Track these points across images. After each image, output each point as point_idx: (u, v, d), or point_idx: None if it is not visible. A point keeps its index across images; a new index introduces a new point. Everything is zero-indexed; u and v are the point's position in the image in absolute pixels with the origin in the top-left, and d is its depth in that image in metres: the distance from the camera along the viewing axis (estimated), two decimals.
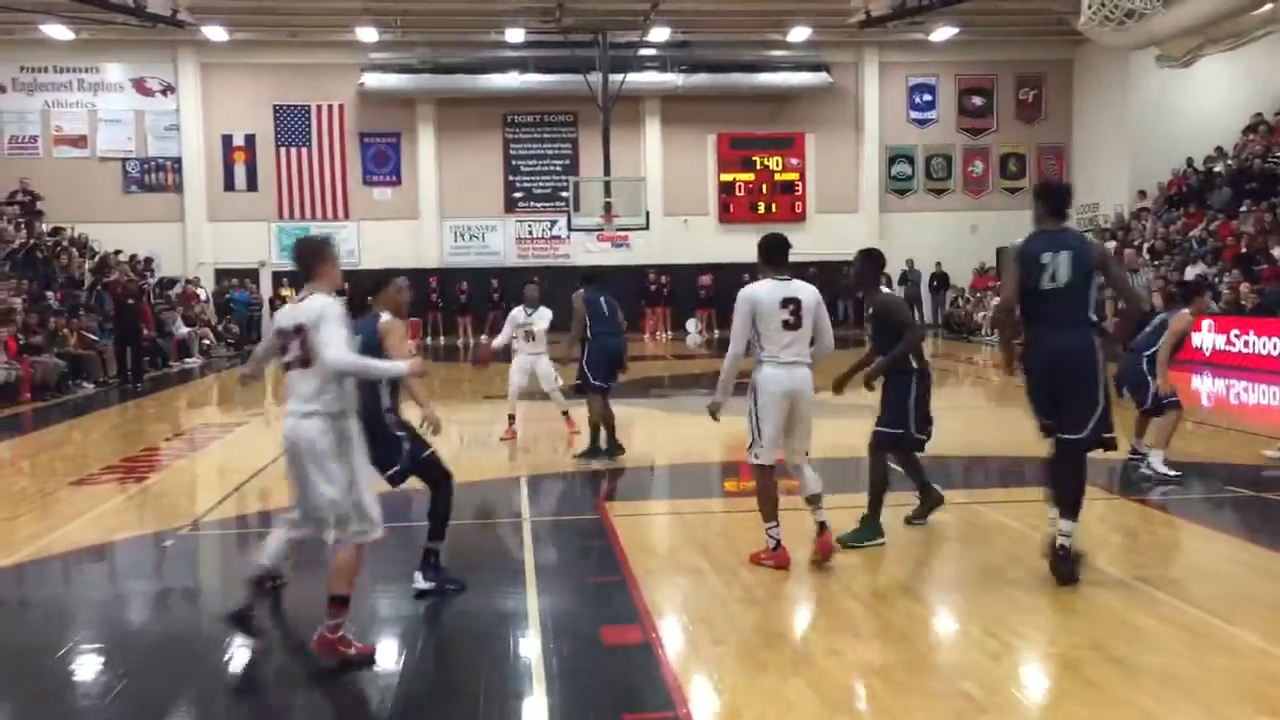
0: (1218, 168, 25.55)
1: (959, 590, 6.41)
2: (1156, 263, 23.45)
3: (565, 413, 12.11)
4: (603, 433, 10.63)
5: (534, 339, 11.87)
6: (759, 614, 5.82)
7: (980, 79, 31.09)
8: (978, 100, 31.18)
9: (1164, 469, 9.13)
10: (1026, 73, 30.98)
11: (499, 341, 11.92)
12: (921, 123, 31.17)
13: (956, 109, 31.15)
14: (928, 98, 31.12)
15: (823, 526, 6.66)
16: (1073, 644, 5.27)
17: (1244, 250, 21.02)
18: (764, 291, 6.52)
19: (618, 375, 10.81)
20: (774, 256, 6.70)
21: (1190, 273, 21.72)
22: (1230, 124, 26.46)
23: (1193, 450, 10.60)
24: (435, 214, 29.75)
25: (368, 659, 5.23)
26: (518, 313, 11.97)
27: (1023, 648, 5.37)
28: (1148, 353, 9.31)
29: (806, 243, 30.27)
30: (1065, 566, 6.10)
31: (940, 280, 30.52)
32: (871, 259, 7.51)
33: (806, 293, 6.55)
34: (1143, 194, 27.04)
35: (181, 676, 5.32)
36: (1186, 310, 9.48)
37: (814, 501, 6.67)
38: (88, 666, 5.47)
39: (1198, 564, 6.95)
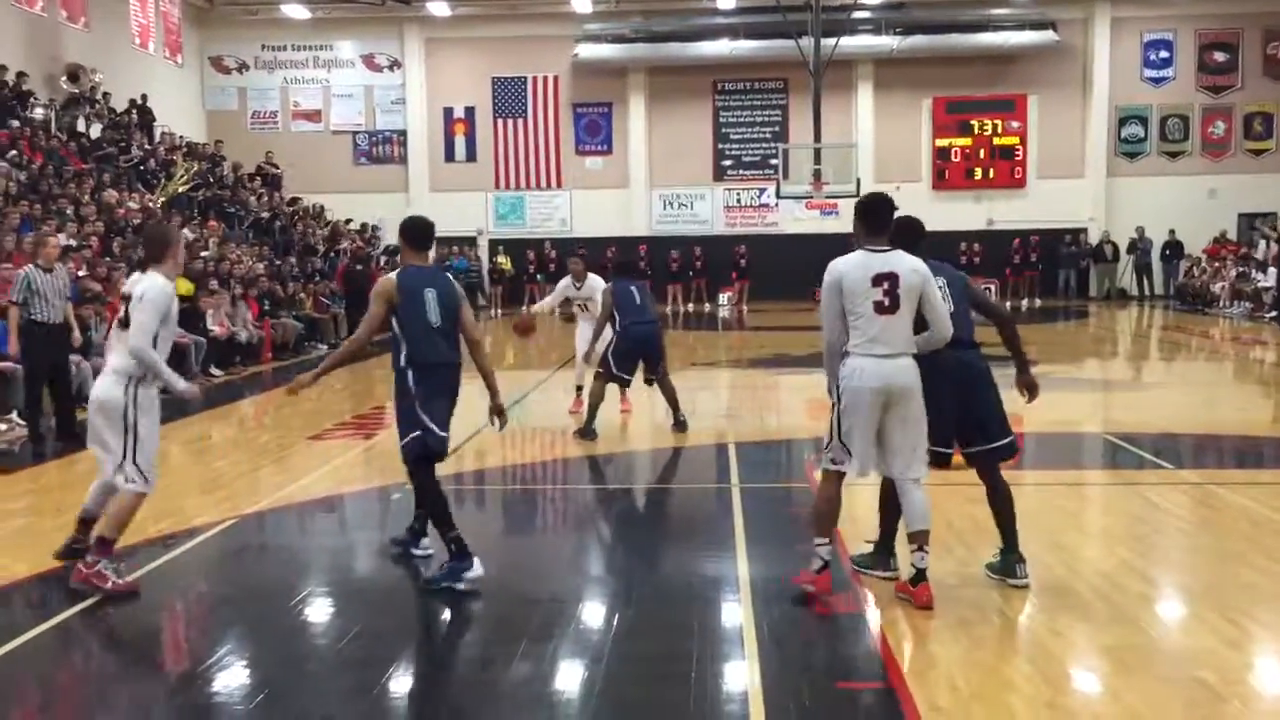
0: None
1: (1193, 574, 6.06)
2: None
3: (579, 388, 11.27)
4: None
5: (587, 310, 11.33)
6: (976, 589, 5.65)
7: (1223, 33, 28.95)
8: (1220, 56, 29.05)
9: None
10: (1277, 25, 28.64)
11: (542, 306, 12.06)
12: (1157, 81, 29.30)
13: (1196, 65, 29.13)
14: (1164, 54, 29.21)
15: (921, 575, 5.31)
16: None
17: None
18: (852, 266, 5.30)
19: (652, 364, 10.27)
20: (872, 222, 5.43)
21: None
22: None
23: None
24: (645, 183, 30.04)
25: (130, 594, 5.75)
26: (566, 285, 11.58)
27: (1266, 637, 5.03)
28: None
29: (1028, 210, 29.23)
30: None
31: (1173, 249, 28.72)
32: (912, 229, 5.74)
33: (907, 267, 5.28)
34: None
35: (407, 621, 5.62)
36: None
37: (916, 540, 5.34)
38: (323, 610, 5.83)
39: None
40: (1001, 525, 5.69)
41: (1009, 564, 5.66)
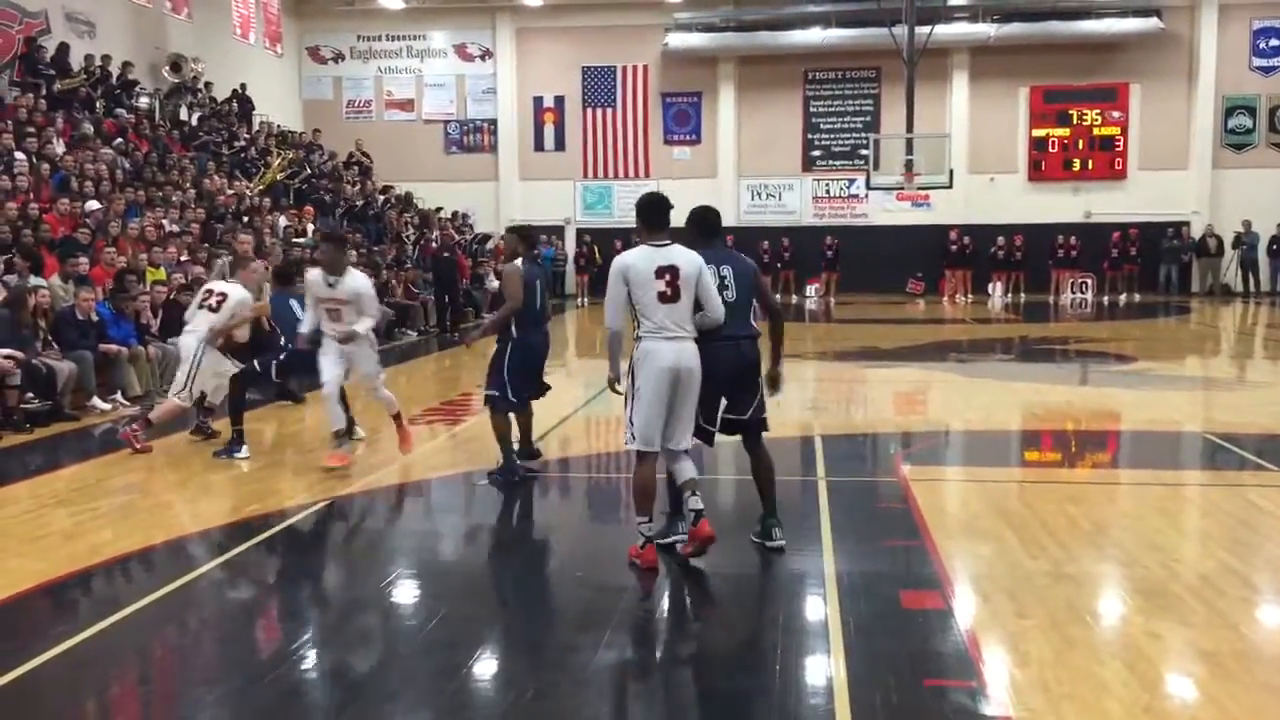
0: None
1: None
2: None
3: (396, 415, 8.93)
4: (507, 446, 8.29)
5: (339, 318, 8.39)
6: (1069, 590, 5.52)
7: None
8: None
9: None
10: None
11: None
12: (1267, 70, 28.25)
13: None
14: (1275, 42, 28.15)
15: (699, 514, 5.93)
16: None
17: None
18: (637, 259, 5.88)
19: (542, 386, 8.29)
20: (651, 220, 5.99)
21: None
22: None
23: None
24: (733, 172, 29.89)
25: (145, 451, 9.16)
26: (316, 280, 8.40)
27: None
28: None
29: (1127, 202, 28.45)
30: None
31: None
32: (707, 221, 6.40)
33: (685, 260, 5.86)
34: None
35: (491, 606, 5.68)
36: None
37: (689, 487, 6.00)
38: (409, 591, 5.91)
39: None
40: (762, 493, 6.37)
41: (767, 528, 6.30)
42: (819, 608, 5.36)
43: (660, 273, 5.82)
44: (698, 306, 5.96)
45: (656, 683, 4.60)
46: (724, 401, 6.26)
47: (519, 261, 7.98)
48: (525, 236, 8.21)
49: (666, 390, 5.83)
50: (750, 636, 5.13)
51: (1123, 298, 27.34)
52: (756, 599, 5.70)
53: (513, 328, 7.90)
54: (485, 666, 4.74)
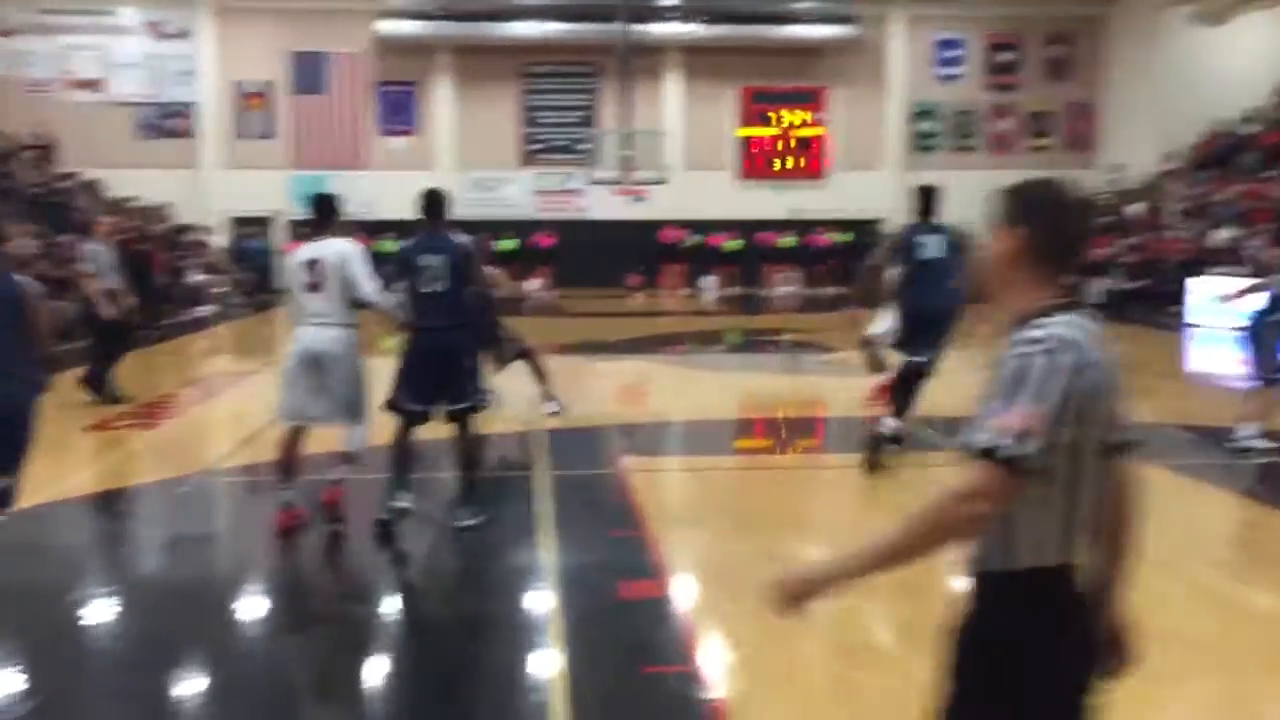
0: (1247, 130, 25.10)
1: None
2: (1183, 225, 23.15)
3: None
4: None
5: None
6: (779, 571, 5.69)
7: (1009, 35, 30.51)
8: (1006, 56, 30.64)
9: (1259, 442, 8.55)
10: (1057, 29, 30.39)
11: None
12: (948, 78, 30.69)
13: (984, 66, 30.64)
14: (955, 53, 30.60)
15: (336, 483, 6.53)
16: None
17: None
18: (296, 253, 6.47)
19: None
20: (320, 217, 6.60)
21: (1218, 237, 21.42)
22: (1261, 85, 25.98)
23: (1214, 414, 10.41)
24: (451, 165, 29.51)
25: None
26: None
27: None
28: (1274, 318, 8.75)
29: (828, 201, 30.13)
30: None
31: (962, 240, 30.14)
32: (435, 201, 6.76)
33: (331, 251, 6.30)
34: (1171, 155, 26.61)
35: (190, 618, 5.27)
36: None
37: (349, 460, 6.51)
38: (98, 609, 5.41)
39: (1218, 528, 6.81)
40: (460, 476, 6.64)
41: (458, 511, 6.55)
42: (538, 602, 5.30)
43: (307, 265, 6.29)
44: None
45: (363, 684, 4.40)
46: (436, 388, 6.47)
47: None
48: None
49: (301, 370, 6.26)
50: (467, 633, 5.01)
51: (828, 290, 28.97)
52: (475, 595, 5.58)
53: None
54: (178, 687, 4.39)
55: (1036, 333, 2.17)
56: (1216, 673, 4.37)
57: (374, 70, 29.08)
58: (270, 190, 28.67)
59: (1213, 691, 4.23)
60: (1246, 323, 9.06)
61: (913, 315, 7.93)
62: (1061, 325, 2.19)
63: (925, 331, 7.87)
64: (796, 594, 2.31)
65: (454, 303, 6.40)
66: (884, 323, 9.07)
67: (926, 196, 8.19)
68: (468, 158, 29.55)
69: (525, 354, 10.23)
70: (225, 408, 11.64)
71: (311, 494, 6.62)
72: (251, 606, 5.47)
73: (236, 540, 6.86)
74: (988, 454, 2.09)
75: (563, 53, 29.31)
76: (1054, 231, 2.28)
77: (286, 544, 6.28)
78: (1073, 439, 2.15)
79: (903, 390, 7.95)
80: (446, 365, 6.44)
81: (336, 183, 28.48)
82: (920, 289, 7.86)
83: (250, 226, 28.72)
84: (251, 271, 27.43)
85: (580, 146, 28.60)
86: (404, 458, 6.51)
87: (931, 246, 7.94)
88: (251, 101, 28.99)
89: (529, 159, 29.91)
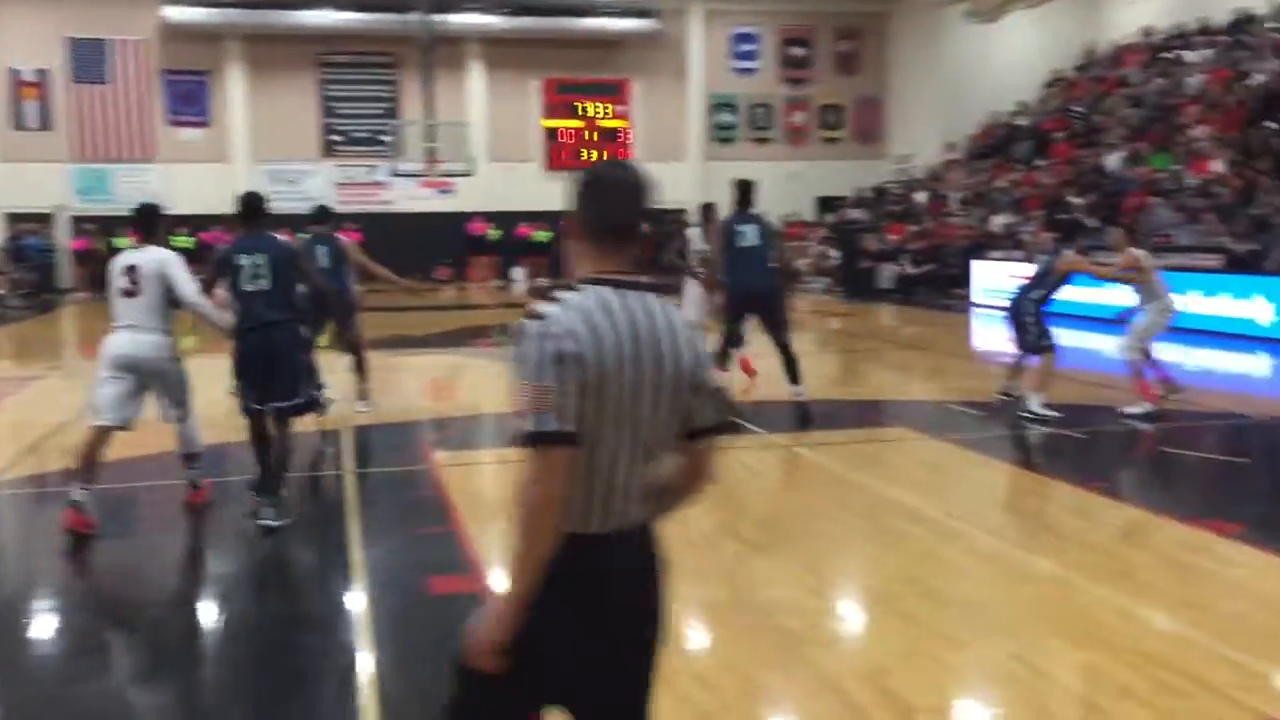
0: (1021, 120, 26.79)
1: (779, 530, 6.60)
2: (964, 211, 24.53)
3: None
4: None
5: None
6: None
7: (801, 30, 31.59)
8: (798, 51, 31.72)
9: (1044, 410, 9.26)
10: (845, 25, 31.65)
11: None
12: (745, 72, 31.54)
13: (778, 59, 31.61)
14: (750, 47, 31.48)
15: (194, 486, 6.85)
16: (887, 578, 5.50)
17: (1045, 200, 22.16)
18: (116, 260, 6.53)
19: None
20: (145, 225, 6.70)
21: (997, 222, 22.79)
22: (1032, 79, 27.75)
23: (996, 390, 11.16)
24: (248, 157, 28.52)
25: None
26: None
27: (841, 583, 5.58)
28: (1032, 295, 9.51)
29: None
30: None
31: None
32: (250, 205, 6.75)
33: (148, 259, 6.38)
34: (952, 146, 28.13)
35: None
36: (1070, 252, 9.99)
37: (188, 461, 6.82)
38: None
39: (999, 497, 7.34)
40: (265, 464, 6.56)
41: (259, 509, 6.43)
42: (348, 601, 5.28)
43: (125, 270, 6.34)
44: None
45: (169, 689, 4.31)
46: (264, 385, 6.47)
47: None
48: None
49: (115, 374, 6.28)
50: (276, 635, 4.95)
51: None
52: (282, 597, 5.52)
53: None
54: None
55: (540, 310, 2.28)
56: (999, 634, 4.73)
57: (161, 58, 27.81)
58: (51, 184, 27.11)
59: (998, 651, 4.57)
60: (1008, 301, 9.79)
61: (738, 295, 9.33)
62: (567, 302, 2.28)
63: (748, 308, 9.36)
64: (488, 644, 2.32)
65: (278, 301, 6.39)
66: (691, 307, 9.90)
67: (745, 189, 9.51)
68: (265, 150, 28.61)
69: (357, 350, 10.21)
70: (4, 416, 11.00)
71: (102, 502, 6.39)
72: (46, 622, 5.25)
73: (23, 557, 6.53)
74: (527, 439, 2.22)
75: (362, 42, 28.70)
76: (593, 211, 2.40)
77: (79, 552, 6.05)
78: (588, 411, 2.23)
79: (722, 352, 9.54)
80: (271, 363, 6.41)
81: (123, 176, 27.38)
82: (742, 273, 9.29)
83: (29, 223, 27.01)
84: (31, 271, 25.86)
85: (383, 138, 28.08)
86: (263, 454, 6.55)
87: (749, 234, 9.31)
88: (26, 90, 27.27)
89: (330, 151, 29.21)
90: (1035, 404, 9.33)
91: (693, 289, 11.39)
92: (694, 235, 11.92)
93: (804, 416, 9.59)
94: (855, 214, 27.92)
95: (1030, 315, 9.52)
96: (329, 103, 29.13)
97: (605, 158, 30.46)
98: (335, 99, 29.19)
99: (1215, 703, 3.97)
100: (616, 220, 2.42)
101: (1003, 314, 10.16)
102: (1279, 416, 9.81)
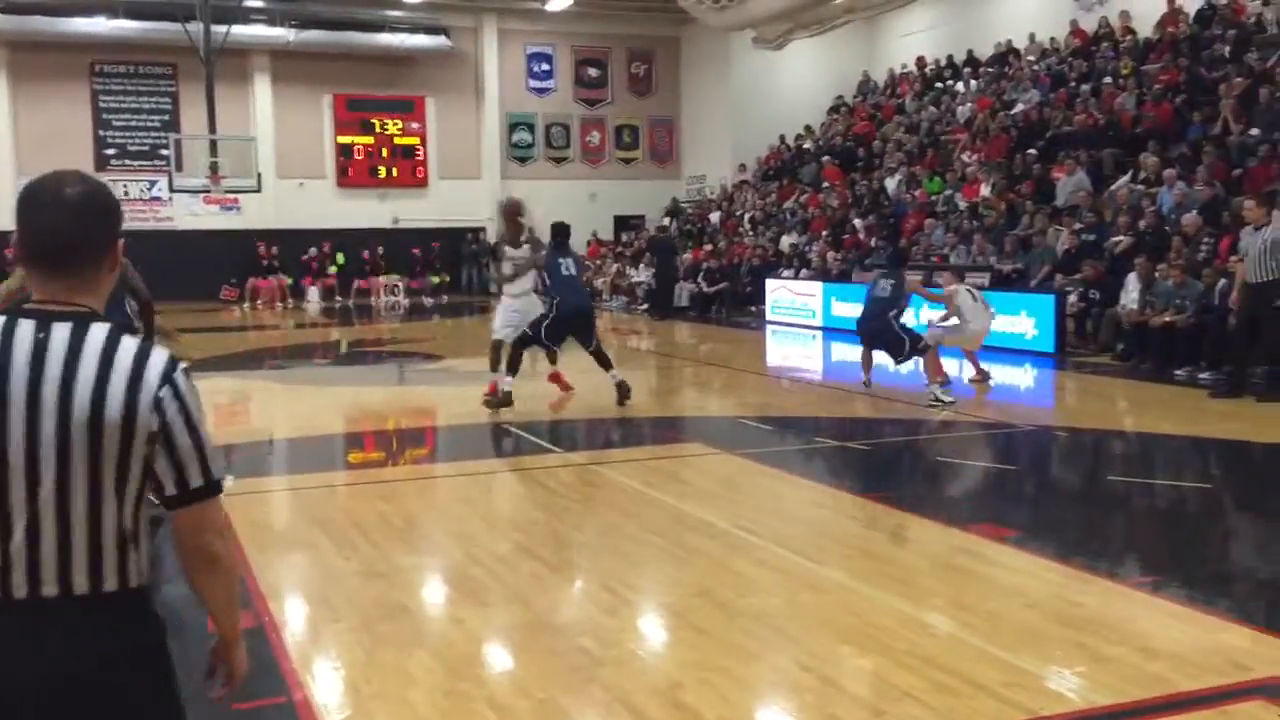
0: (807, 144, 27.84)
1: (578, 549, 6.60)
2: (754, 231, 25.29)
3: None
4: None
5: None
6: (381, 587, 5.70)
7: (595, 51, 31.96)
8: (593, 72, 32.07)
9: (947, 397, 10.68)
10: (638, 47, 32.21)
11: None
12: (541, 91, 31.64)
13: (574, 79, 31.86)
14: (546, 67, 31.62)
15: None
16: (682, 593, 5.57)
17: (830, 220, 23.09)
18: None
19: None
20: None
21: (786, 242, 23.58)
22: (818, 104, 28.90)
23: (788, 405, 11.52)
24: (11, 170, 26.69)
25: None
26: None
27: (637, 600, 5.61)
28: (893, 314, 11.02)
29: (428, 209, 30.13)
30: None
31: None
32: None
33: None
34: (743, 167, 28.98)
35: None
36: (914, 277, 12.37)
37: None
38: None
39: (789, 510, 7.56)
40: None
41: None
42: None
43: None
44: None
45: None
46: None
47: None
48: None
49: None
50: None
51: (430, 300, 28.96)
52: None
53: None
54: None
55: None
56: (789, 643, 4.85)
57: None
58: None
59: (787, 661, 4.68)
60: (864, 328, 11.42)
61: (566, 315, 10.89)
62: None
63: (572, 326, 11.05)
64: (235, 676, 2.37)
65: None
66: (504, 325, 10.66)
67: (563, 231, 11.36)
68: (30, 162, 26.77)
69: None
70: None
71: None
72: None
73: None
74: None
75: (137, 52, 27.37)
76: (20, 229, 2.12)
77: None
78: None
79: (517, 356, 11.06)
80: None
81: None
82: (568, 297, 10.94)
83: None
84: None
85: (163, 152, 26.79)
86: None
87: (568, 265, 11.05)
88: None
89: (104, 164, 27.64)
90: (938, 390, 10.71)
91: (506, 305, 11.42)
92: (513, 252, 11.68)
93: (622, 391, 11.16)
94: (673, 230, 28.37)
95: (897, 330, 11.03)
96: (102, 114, 27.64)
97: (394, 172, 30.00)
98: (110, 110, 27.72)
99: (986, 701, 4.18)
100: (45, 242, 2.10)
101: (859, 338, 11.69)
102: (1044, 426, 10.48)
